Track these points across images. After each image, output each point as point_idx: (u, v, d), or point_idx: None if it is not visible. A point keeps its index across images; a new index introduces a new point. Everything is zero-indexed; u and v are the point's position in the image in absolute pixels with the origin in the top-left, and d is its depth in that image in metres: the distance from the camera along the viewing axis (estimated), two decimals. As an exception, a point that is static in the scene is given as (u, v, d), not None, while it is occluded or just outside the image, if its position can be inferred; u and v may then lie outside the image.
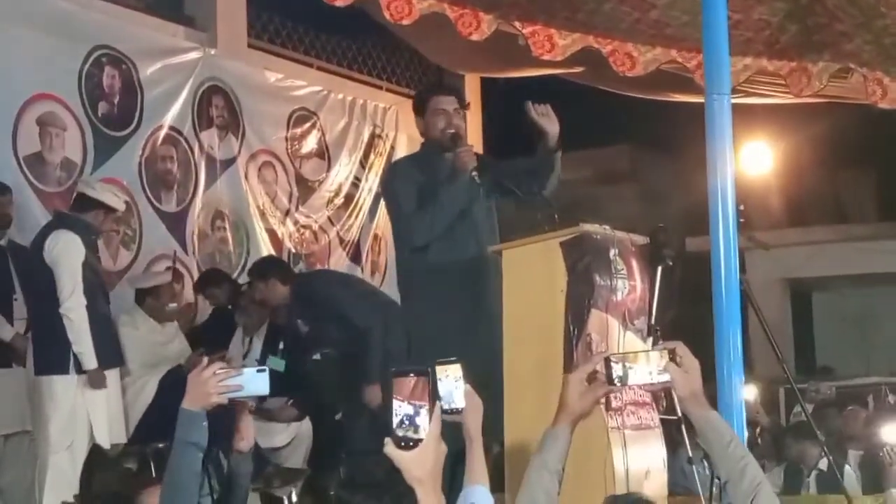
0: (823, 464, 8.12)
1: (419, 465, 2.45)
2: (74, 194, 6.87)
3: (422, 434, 2.44)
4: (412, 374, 2.45)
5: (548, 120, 5.63)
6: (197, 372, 3.29)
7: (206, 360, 3.38)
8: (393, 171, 6.10)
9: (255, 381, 3.30)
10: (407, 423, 2.44)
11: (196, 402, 3.27)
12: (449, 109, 5.66)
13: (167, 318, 7.26)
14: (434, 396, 2.51)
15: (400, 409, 2.44)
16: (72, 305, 6.29)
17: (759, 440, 9.12)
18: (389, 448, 2.45)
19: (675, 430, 5.98)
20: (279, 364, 7.36)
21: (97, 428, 6.31)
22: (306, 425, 7.33)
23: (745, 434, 4.27)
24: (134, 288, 7.37)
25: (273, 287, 7.15)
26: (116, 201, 6.80)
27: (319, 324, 7.13)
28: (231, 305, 8.01)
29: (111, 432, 6.44)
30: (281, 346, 7.46)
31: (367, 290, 7.55)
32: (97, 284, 6.57)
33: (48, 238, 6.42)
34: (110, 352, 6.49)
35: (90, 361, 6.29)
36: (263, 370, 3.32)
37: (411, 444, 2.44)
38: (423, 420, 2.44)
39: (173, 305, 7.38)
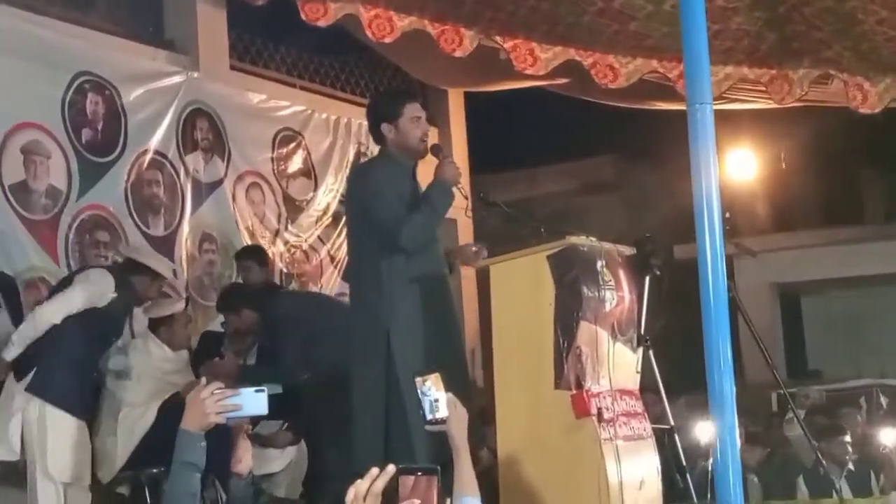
0: (851, 465, 8.17)
1: None
2: (122, 259, 6.90)
3: None
4: (420, 473, 2.29)
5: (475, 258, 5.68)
6: (195, 392, 3.30)
7: (203, 380, 3.38)
8: (373, 172, 5.72)
9: (253, 401, 3.31)
10: None
11: (194, 422, 3.27)
12: (422, 117, 5.61)
13: (181, 346, 7.21)
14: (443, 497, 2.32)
15: None
16: (45, 311, 6.22)
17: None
18: None
19: (668, 439, 6.00)
20: (276, 388, 7.29)
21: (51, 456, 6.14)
22: (302, 449, 7.30)
23: (739, 442, 4.25)
24: (147, 317, 7.32)
25: (246, 317, 7.15)
26: (164, 268, 6.84)
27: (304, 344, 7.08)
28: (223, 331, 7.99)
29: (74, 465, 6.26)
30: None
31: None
32: (97, 337, 6.44)
33: (90, 269, 6.43)
34: (75, 398, 6.27)
35: (9, 353, 6.18)
36: (262, 390, 3.32)
37: None
38: None
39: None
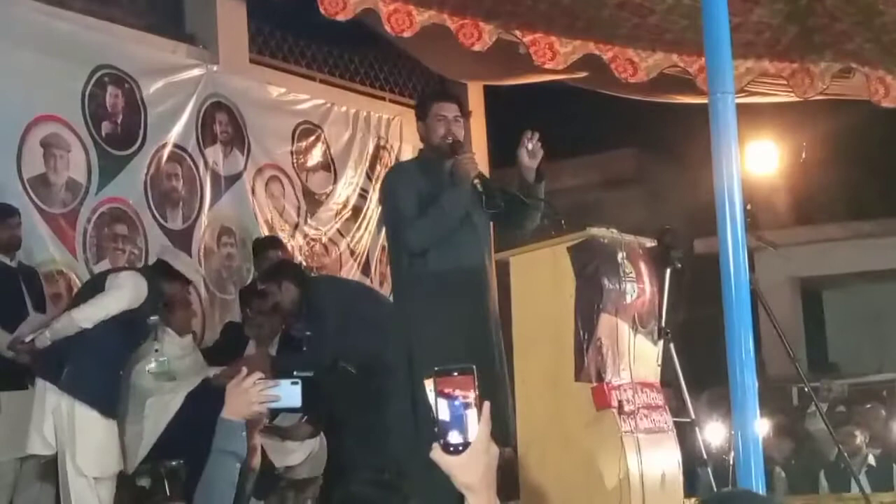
0: (871, 459, 8.13)
1: (469, 471, 2.24)
2: (154, 260, 6.92)
3: (470, 436, 2.25)
4: (456, 373, 2.28)
5: (531, 156, 5.51)
6: (237, 381, 3.31)
7: (244, 370, 3.38)
8: (394, 175, 5.97)
9: (289, 393, 3.37)
10: (452, 423, 2.26)
11: (237, 411, 3.28)
12: (449, 116, 5.57)
13: (186, 331, 7.23)
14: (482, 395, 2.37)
15: (445, 409, 2.26)
16: (82, 315, 6.20)
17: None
18: (436, 453, 2.25)
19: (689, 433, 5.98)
20: (307, 373, 7.23)
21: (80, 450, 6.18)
22: (322, 442, 7.28)
23: (760, 436, 4.24)
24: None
25: (287, 290, 7.09)
26: (192, 273, 6.91)
27: (334, 332, 7.04)
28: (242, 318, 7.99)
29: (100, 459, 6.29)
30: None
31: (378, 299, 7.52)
32: (126, 338, 6.45)
33: (122, 272, 6.45)
34: (105, 397, 6.30)
35: (41, 342, 6.22)
36: (297, 382, 3.38)
37: (460, 448, 2.25)
38: (471, 420, 2.26)
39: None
